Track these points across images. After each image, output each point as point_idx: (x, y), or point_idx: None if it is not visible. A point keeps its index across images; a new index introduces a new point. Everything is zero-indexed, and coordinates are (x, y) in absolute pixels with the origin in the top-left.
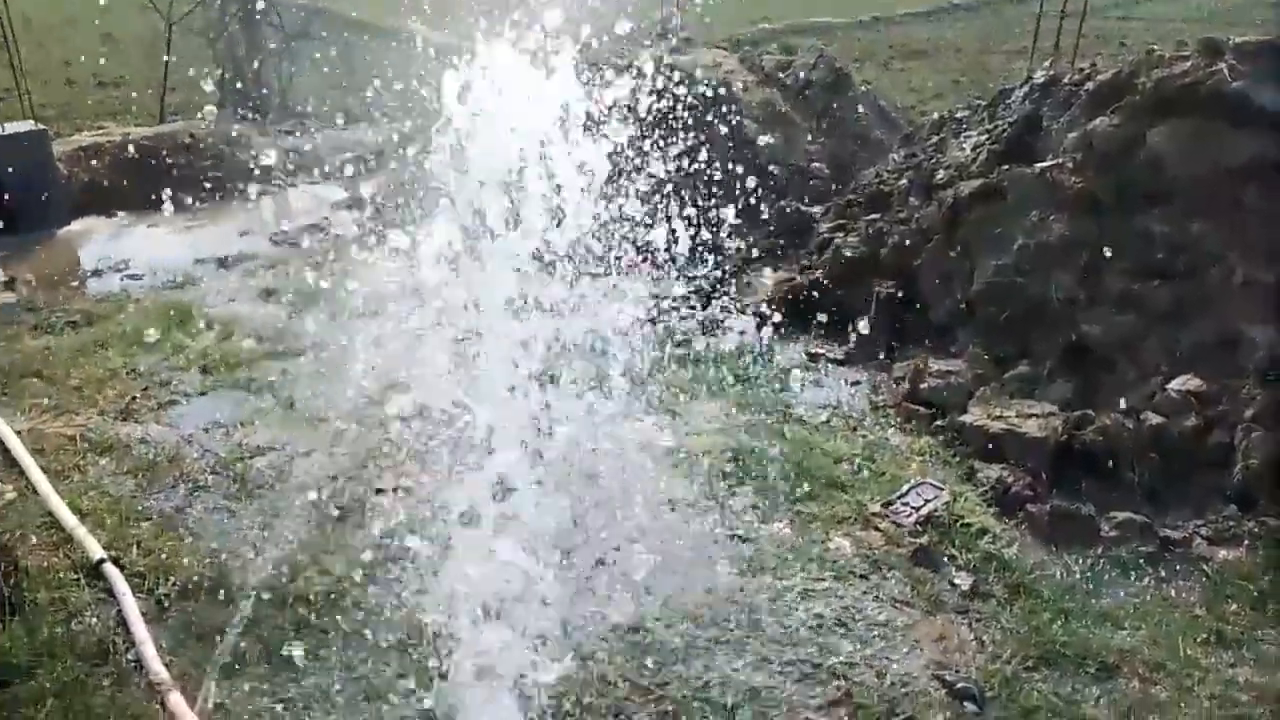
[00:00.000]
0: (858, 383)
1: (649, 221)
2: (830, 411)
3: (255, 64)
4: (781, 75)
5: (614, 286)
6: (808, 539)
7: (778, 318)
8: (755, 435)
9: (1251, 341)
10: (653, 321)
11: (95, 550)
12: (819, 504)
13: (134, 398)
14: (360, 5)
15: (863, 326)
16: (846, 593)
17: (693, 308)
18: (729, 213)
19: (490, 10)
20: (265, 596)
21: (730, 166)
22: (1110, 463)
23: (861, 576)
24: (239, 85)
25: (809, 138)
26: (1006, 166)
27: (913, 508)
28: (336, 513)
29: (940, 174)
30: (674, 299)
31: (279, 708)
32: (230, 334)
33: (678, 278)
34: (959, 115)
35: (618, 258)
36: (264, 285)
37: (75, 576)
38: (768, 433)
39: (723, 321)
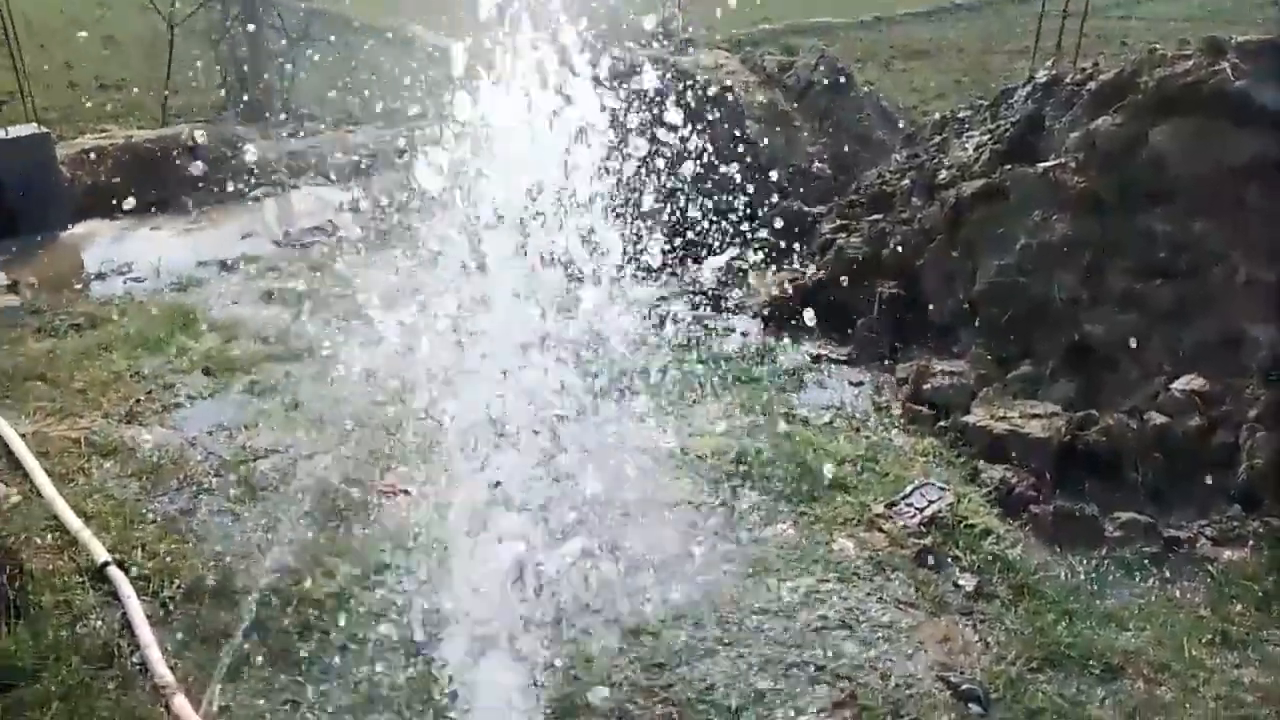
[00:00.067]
0: (860, 383)
1: (651, 222)
2: (833, 412)
3: (257, 66)
4: (783, 76)
5: (615, 288)
6: (811, 540)
7: (780, 318)
8: (758, 436)
9: (1255, 341)
10: (654, 323)
11: (100, 553)
12: (822, 505)
13: (138, 400)
14: (362, 8)
15: (865, 327)
16: (850, 594)
17: (694, 309)
18: (731, 213)
19: (490, 13)
20: (270, 599)
21: (731, 167)
22: (1114, 463)
23: (865, 578)
24: (241, 87)
25: (811, 138)
26: (1009, 166)
27: (916, 509)
28: (341, 515)
29: (942, 174)
30: (676, 300)
31: (284, 710)
32: (234, 336)
33: (680, 279)
34: (961, 115)
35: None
36: (267, 288)
37: (80, 579)
38: (770, 434)
39: (725, 322)
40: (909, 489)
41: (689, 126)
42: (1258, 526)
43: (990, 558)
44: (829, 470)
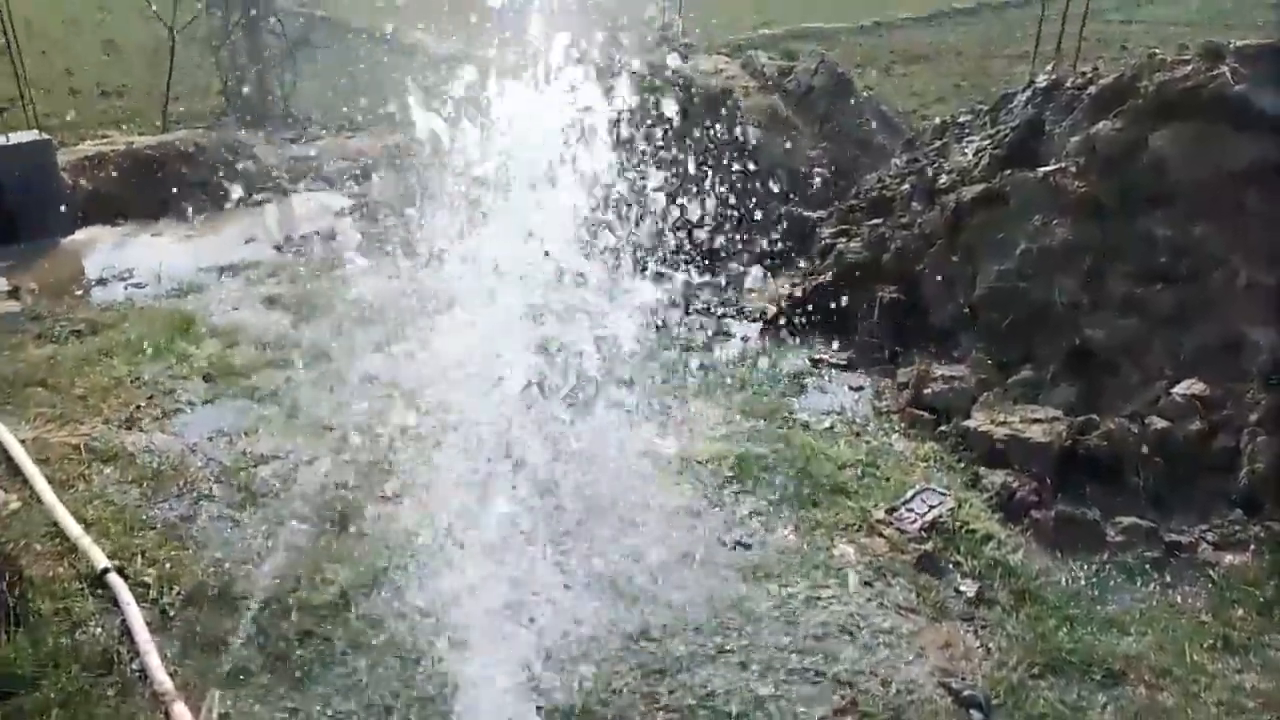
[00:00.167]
0: (861, 388)
1: (652, 227)
2: (834, 417)
3: (258, 72)
4: (783, 81)
5: (615, 293)
6: (812, 546)
7: (780, 323)
8: (759, 441)
9: (1255, 345)
10: (655, 327)
11: (99, 560)
12: (823, 510)
13: (138, 406)
14: (362, 13)
15: (865, 332)
16: (851, 599)
17: (695, 313)
18: (731, 219)
19: (491, 18)
20: (269, 606)
21: (732, 172)
22: (1115, 468)
23: (866, 583)
24: (242, 94)
25: (811, 143)
26: (1009, 171)
27: (917, 514)
28: (340, 521)
29: (942, 179)
30: (677, 305)
31: (283, 717)
32: (234, 342)
33: (681, 284)
34: (961, 120)
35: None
36: (267, 293)
37: (79, 586)
38: (771, 439)
39: (725, 327)
40: (910, 494)
41: (688, 132)
42: (1259, 531)
43: (991, 563)
44: (829, 475)
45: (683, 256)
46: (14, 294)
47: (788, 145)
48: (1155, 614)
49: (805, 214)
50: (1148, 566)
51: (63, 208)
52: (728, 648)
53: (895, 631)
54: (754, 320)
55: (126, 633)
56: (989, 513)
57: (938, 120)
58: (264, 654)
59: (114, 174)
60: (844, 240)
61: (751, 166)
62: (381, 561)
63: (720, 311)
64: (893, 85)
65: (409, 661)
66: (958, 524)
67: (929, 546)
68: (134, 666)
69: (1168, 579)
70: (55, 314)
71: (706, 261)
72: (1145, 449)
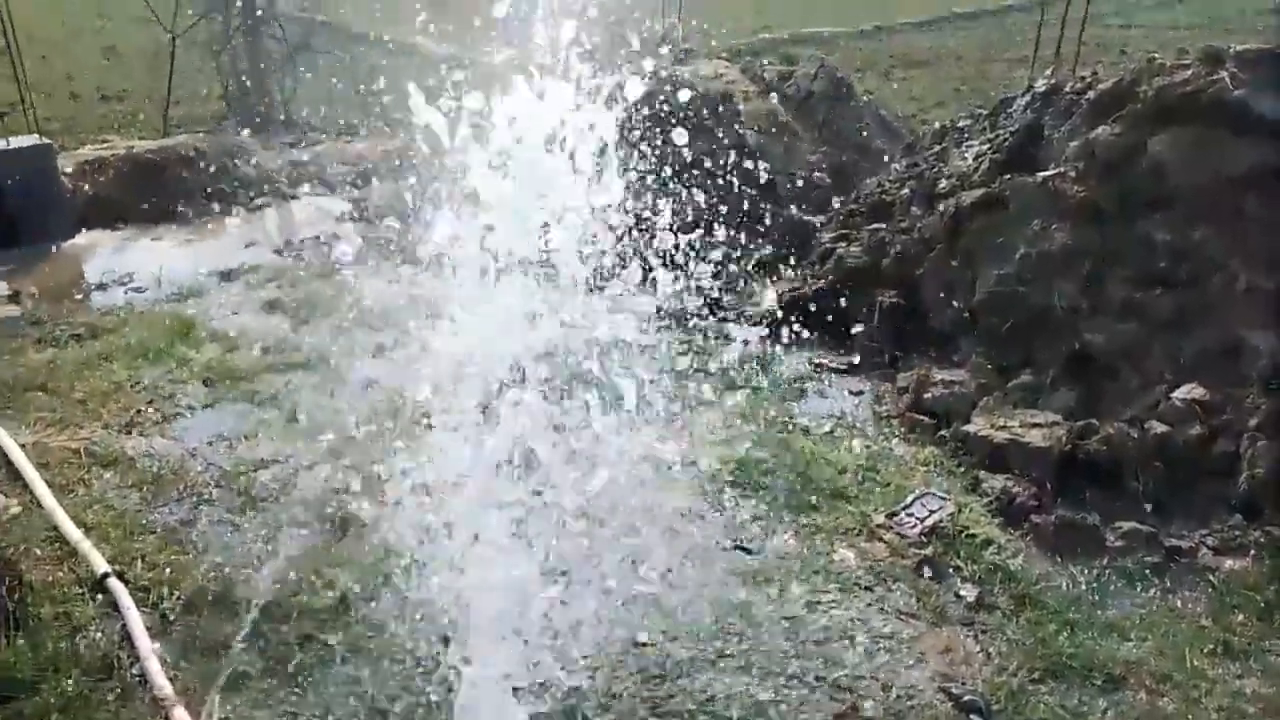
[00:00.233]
0: (861, 392)
1: (651, 231)
2: (834, 422)
3: (258, 77)
4: (783, 85)
5: (615, 297)
6: (812, 550)
7: (780, 328)
8: (758, 446)
9: (1255, 349)
10: (654, 331)
11: (99, 564)
12: (823, 515)
13: (138, 411)
14: (362, 19)
15: (865, 336)
16: (851, 604)
17: (695, 318)
18: (731, 223)
19: (490, 23)
20: (270, 610)
21: (732, 176)
22: (1115, 472)
23: (866, 588)
24: (242, 98)
25: (810, 147)
26: (1008, 175)
27: (917, 519)
28: (340, 526)
29: (942, 183)
30: (676, 309)
31: None
32: (234, 346)
33: (680, 288)
34: (960, 124)
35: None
36: (268, 297)
37: (79, 591)
38: (771, 443)
39: (725, 331)
40: (910, 499)
41: (688, 137)
42: (1259, 536)
43: (991, 568)
44: (829, 479)
45: (682, 261)
46: (14, 298)
47: (787, 150)
48: (1155, 619)
49: (805, 218)
50: (1148, 571)
51: (63, 212)
52: (727, 652)
53: (895, 636)
54: (753, 324)
55: (126, 637)
56: (989, 517)
57: (937, 125)
58: (264, 658)
59: (114, 178)
60: (844, 245)
61: (751, 171)
62: (381, 565)
63: (719, 316)
64: (892, 90)
65: (408, 666)
66: (958, 529)
67: (929, 551)
68: (134, 671)
69: (1168, 584)
70: (55, 318)
71: (706, 266)
72: (1145, 454)
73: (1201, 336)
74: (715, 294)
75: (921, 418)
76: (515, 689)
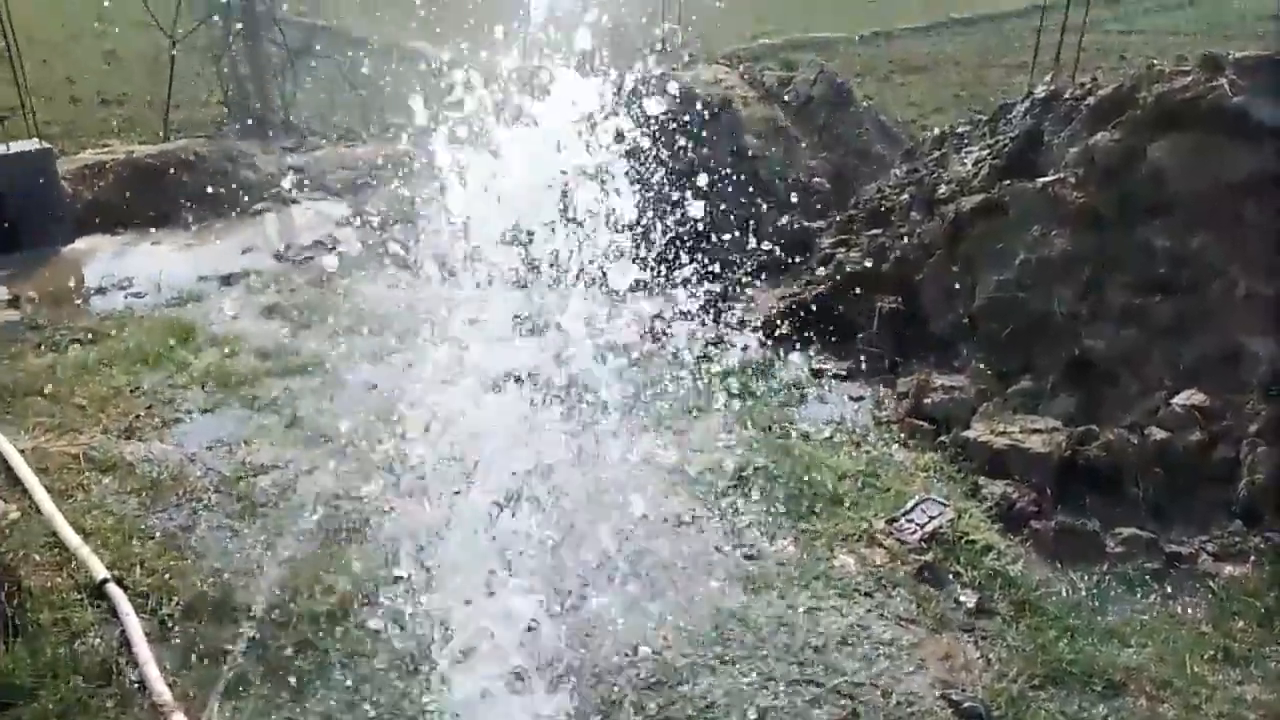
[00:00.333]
0: (861, 398)
1: (651, 237)
2: (834, 427)
3: (258, 82)
4: (782, 91)
5: (615, 303)
6: (812, 556)
7: (780, 333)
8: (758, 452)
9: (1254, 355)
10: (655, 337)
11: (98, 570)
12: (823, 521)
13: (137, 416)
14: (362, 23)
15: (865, 342)
16: (851, 611)
17: (695, 323)
18: (731, 228)
19: (493, 28)
20: (269, 616)
21: (731, 182)
22: (1115, 478)
23: (866, 594)
24: (242, 103)
25: (810, 153)
26: (1008, 181)
27: (917, 524)
28: (339, 531)
29: (942, 189)
30: (676, 315)
31: None
32: (233, 351)
33: (680, 294)
34: (960, 130)
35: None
36: (267, 302)
37: (78, 597)
38: (771, 449)
39: (725, 337)
40: (910, 504)
41: (688, 142)
42: (1259, 542)
43: (991, 574)
44: (829, 485)
45: (682, 266)
46: (14, 303)
47: (787, 155)
48: (1156, 625)
49: (805, 224)
50: (1148, 577)
51: (63, 216)
52: (728, 658)
53: (895, 642)
54: (754, 330)
55: (126, 643)
56: (989, 523)
57: (937, 130)
58: (263, 664)
59: (114, 183)
60: (843, 250)
61: (750, 176)
62: (381, 571)
63: (720, 321)
64: (892, 95)
65: (407, 672)
66: (958, 534)
67: (929, 557)
68: (133, 677)
69: (1168, 590)
70: (55, 323)
71: (706, 271)
72: (1145, 460)
73: (1201, 343)
74: (715, 299)
75: (921, 423)
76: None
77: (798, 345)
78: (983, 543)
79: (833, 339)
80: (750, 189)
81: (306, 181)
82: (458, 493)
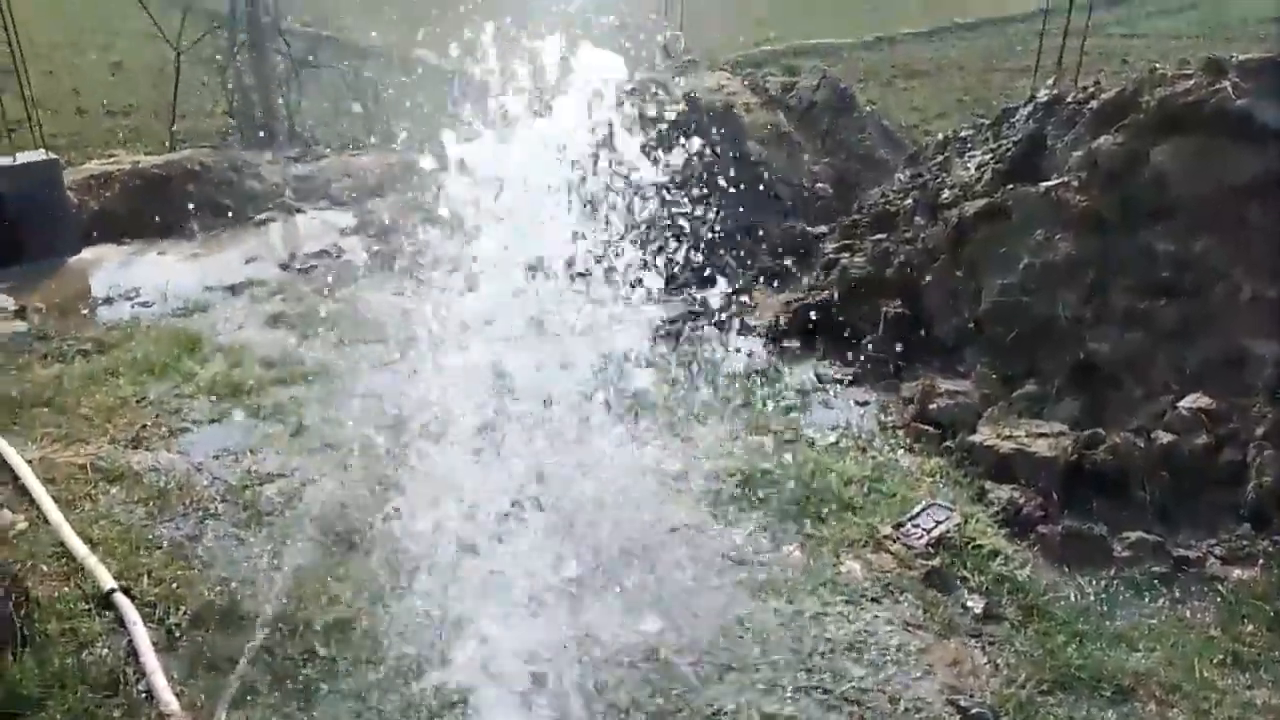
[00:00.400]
0: (866, 403)
1: (654, 245)
2: (839, 432)
3: (263, 92)
4: (785, 96)
5: (620, 309)
6: (819, 562)
7: (785, 339)
8: (764, 457)
9: (1259, 358)
10: (660, 343)
11: (106, 580)
12: (829, 526)
13: (144, 425)
14: (367, 33)
15: (869, 347)
16: (858, 616)
17: (699, 329)
18: (735, 234)
19: (495, 37)
20: (276, 625)
21: (735, 188)
22: (1121, 482)
23: (873, 600)
24: (247, 113)
25: (813, 158)
26: (1011, 186)
27: (924, 530)
28: (346, 540)
29: (945, 194)
30: (680, 320)
31: None
32: (239, 361)
33: (684, 299)
34: (963, 135)
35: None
36: (273, 311)
37: (86, 606)
38: (776, 455)
39: (729, 343)
40: (916, 509)
41: (692, 148)
42: (1267, 545)
43: (998, 579)
44: (835, 491)
45: (687, 273)
46: (21, 313)
47: (790, 160)
48: (1164, 629)
49: (808, 229)
50: (1156, 581)
51: (69, 227)
52: (734, 665)
53: (903, 648)
54: (758, 336)
55: (133, 653)
56: (996, 528)
57: (940, 135)
58: (270, 673)
59: (120, 193)
60: (847, 255)
61: (754, 182)
62: (387, 579)
63: (724, 327)
64: (894, 100)
65: (414, 679)
66: (964, 539)
67: (936, 562)
68: (140, 687)
69: (1176, 594)
70: (62, 333)
71: (710, 277)
72: (1152, 463)
73: (1206, 346)
74: (719, 305)
75: (927, 428)
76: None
77: (802, 351)
78: (989, 547)
79: (837, 344)
80: (754, 195)
81: (311, 191)
82: (461, 501)
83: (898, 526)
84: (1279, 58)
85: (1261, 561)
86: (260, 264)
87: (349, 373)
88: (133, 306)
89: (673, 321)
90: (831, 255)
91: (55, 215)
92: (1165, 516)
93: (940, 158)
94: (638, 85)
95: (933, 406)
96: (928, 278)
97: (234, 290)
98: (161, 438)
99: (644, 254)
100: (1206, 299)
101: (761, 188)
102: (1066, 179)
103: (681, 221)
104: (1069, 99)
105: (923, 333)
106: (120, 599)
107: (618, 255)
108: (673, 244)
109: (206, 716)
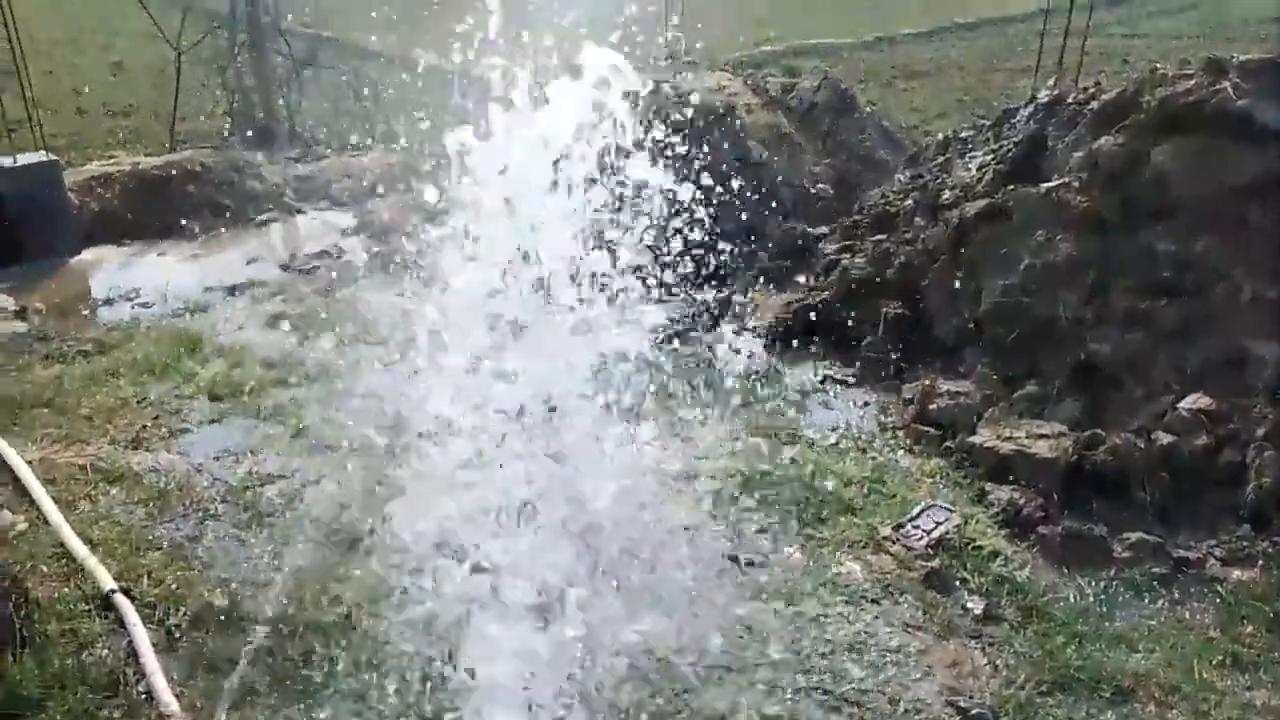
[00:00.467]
0: (866, 404)
1: (655, 245)
2: (839, 433)
3: (264, 92)
4: (785, 97)
5: (620, 310)
6: (818, 563)
7: (785, 339)
8: (764, 458)
9: (1260, 359)
10: (660, 344)
11: (106, 581)
12: (829, 528)
13: (144, 426)
14: (368, 33)
15: (870, 347)
16: (858, 618)
17: (700, 330)
18: (735, 235)
19: (494, 37)
20: (276, 626)
21: (735, 189)
22: (1121, 483)
23: (873, 601)
24: (248, 114)
25: (813, 159)
26: (1012, 186)
27: (924, 531)
28: (346, 541)
29: (946, 194)
30: (681, 321)
31: None
32: (240, 361)
33: (684, 301)
34: (964, 135)
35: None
36: (273, 312)
37: (86, 607)
38: (776, 455)
39: (730, 344)
40: (916, 510)
41: (692, 149)
42: (1267, 546)
43: (998, 580)
44: (835, 492)
45: (687, 273)
46: (21, 314)
47: (790, 161)
48: (1164, 630)
49: (809, 230)
50: (1155, 582)
51: (69, 228)
52: (734, 666)
53: (903, 650)
54: (759, 336)
55: (133, 654)
56: (995, 529)
57: (940, 136)
58: (270, 674)
59: (120, 194)
60: (848, 256)
61: (754, 183)
62: (387, 580)
63: (725, 328)
64: (895, 100)
65: (414, 680)
66: (964, 540)
67: (936, 563)
68: (140, 688)
69: (1176, 595)
70: (62, 334)
71: (711, 278)
72: (1152, 464)
73: (1206, 347)
74: (719, 306)
75: (927, 429)
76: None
77: (803, 352)
78: (989, 548)
79: (838, 345)
80: (754, 196)
81: (312, 191)
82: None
83: (898, 527)
84: (1279, 58)
85: (1261, 563)
86: (261, 265)
87: (350, 373)
88: (133, 307)
89: (673, 322)
90: (832, 256)
91: (55, 216)
92: (1165, 517)
93: (941, 158)
94: (638, 85)
95: (933, 407)
96: (928, 278)
97: (234, 291)
98: (162, 438)
99: (644, 255)
100: (1207, 299)
101: (762, 189)
102: (1067, 179)
103: (682, 222)
104: (1070, 99)
105: (923, 333)
106: (120, 600)
107: (618, 256)
108: (673, 245)
109: (206, 718)
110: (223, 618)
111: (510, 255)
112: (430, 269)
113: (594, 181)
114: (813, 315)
